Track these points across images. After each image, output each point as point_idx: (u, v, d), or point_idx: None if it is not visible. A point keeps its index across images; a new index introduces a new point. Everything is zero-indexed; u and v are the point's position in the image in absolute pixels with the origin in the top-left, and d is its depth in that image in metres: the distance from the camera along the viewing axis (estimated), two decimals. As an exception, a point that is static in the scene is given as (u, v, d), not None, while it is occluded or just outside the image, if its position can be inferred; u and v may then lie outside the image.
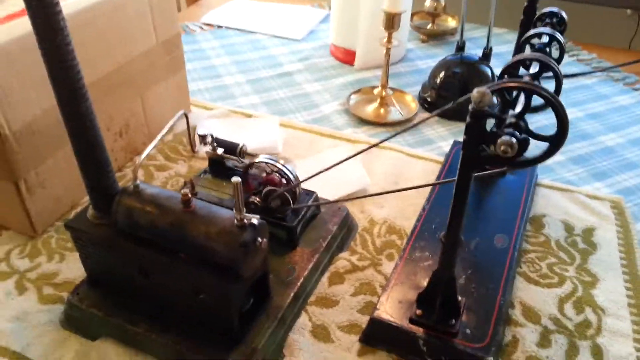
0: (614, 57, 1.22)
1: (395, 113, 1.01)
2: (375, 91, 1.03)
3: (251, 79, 1.15)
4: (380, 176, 0.85)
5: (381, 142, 0.58)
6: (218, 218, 0.50)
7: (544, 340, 0.61)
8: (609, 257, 0.72)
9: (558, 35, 0.63)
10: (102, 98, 0.76)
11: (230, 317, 0.53)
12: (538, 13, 0.74)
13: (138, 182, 0.53)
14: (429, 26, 1.34)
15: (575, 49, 1.26)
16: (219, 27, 1.38)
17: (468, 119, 0.46)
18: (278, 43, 1.31)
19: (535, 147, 0.46)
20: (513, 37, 1.31)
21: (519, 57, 0.56)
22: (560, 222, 0.77)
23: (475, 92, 0.44)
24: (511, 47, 1.27)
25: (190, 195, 0.51)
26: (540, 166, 0.85)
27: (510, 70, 0.58)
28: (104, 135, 0.79)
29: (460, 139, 0.92)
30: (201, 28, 1.38)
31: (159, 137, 0.56)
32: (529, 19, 0.75)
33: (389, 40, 0.94)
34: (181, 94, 0.96)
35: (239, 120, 0.97)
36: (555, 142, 0.45)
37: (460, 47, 1.05)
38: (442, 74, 1.03)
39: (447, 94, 1.02)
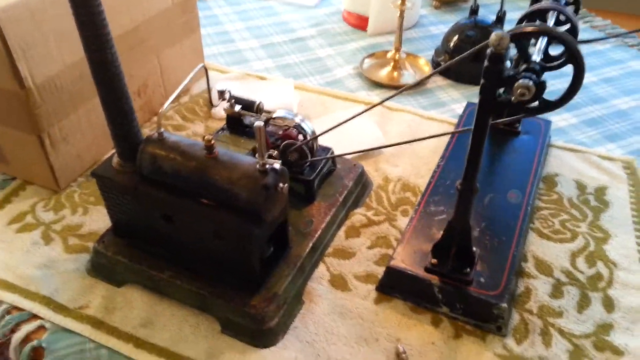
0: (627, 23, 1.21)
1: (409, 76, 1.02)
2: (389, 54, 1.03)
3: (265, 44, 1.15)
4: (395, 136, 0.86)
5: (392, 97, 0.59)
6: (240, 163, 0.52)
7: (556, 291, 0.62)
8: (620, 214, 0.73)
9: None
10: (121, 56, 0.77)
11: (252, 262, 0.55)
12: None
13: (162, 130, 0.54)
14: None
15: (590, 16, 1.25)
16: (232, -6, 1.38)
17: (486, 63, 0.46)
18: (291, 9, 1.31)
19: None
20: (526, 3, 1.30)
21: (536, 6, 0.57)
22: (572, 181, 0.78)
23: (493, 35, 0.45)
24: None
25: (212, 141, 0.52)
26: (553, 128, 0.86)
27: (527, 20, 0.58)
28: (123, 93, 0.81)
29: (474, 101, 0.93)
30: (214, -5, 1.37)
31: (180, 87, 0.57)
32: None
33: (403, 3, 0.94)
34: (196, 56, 0.97)
35: (254, 82, 0.98)
36: (572, 85, 0.46)
37: (474, 11, 1.04)
38: (455, 38, 1.03)
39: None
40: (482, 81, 0.48)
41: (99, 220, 0.70)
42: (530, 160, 0.77)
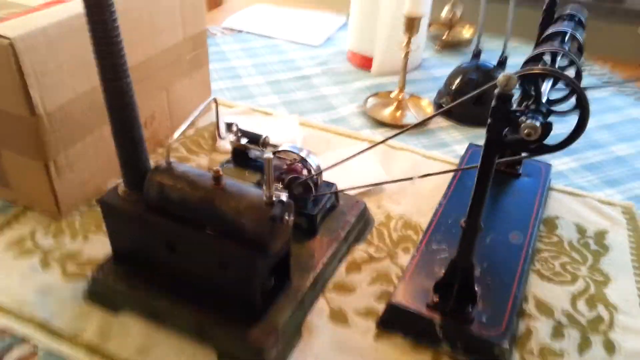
0: (625, 72, 1.24)
1: (411, 117, 1.03)
2: (392, 94, 1.05)
3: (270, 80, 1.17)
4: (398, 174, 0.86)
5: (396, 135, 0.61)
6: (247, 194, 0.52)
7: (557, 334, 0.62)
8: (620, 259, 0.73)
9: (578, 35, 0.65)
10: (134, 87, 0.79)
11: (254, 293, 0.55)
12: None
13: (171, 159, 0.55)
14: (444, 36, 1.37)
15: (588, 64, 1.28)
16: (239, 31, 1.42)
17: (494, 103, 0.47)
18: (296, 48, 1.34)
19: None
20: (528, 49, 1.33)
21: (541, 48, 0.58)
22: (572, 224, 0.78)
23: (501, 77, 0.47)
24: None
25: (219, 171, 0.53)
26: (553, 171, 0.87)
27: (532, 62, 0.59)
28: (130, 123, 0.82)
29: (476, 142, 0.94)
30: (222, 32, 1.41)
31: (190, 119, 0.58)
32: (548, 19, 0.76)
33: (408, 45, 0.97)
34: (204, 90, 0.99)
35: (259, 118, 1.00)
36: (577, 127, 0.47)
37: (476, 55, 1.07)
38: (458, 80, 1.05)
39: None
40: (489, 120, 0.49)
41: (98, 247, 0.69)
42: (531, 202, 0.78)
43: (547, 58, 0.62)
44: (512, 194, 0.79)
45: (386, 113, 1.04)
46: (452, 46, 1.36)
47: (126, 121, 0.53)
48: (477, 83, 1.03)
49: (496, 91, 0.48)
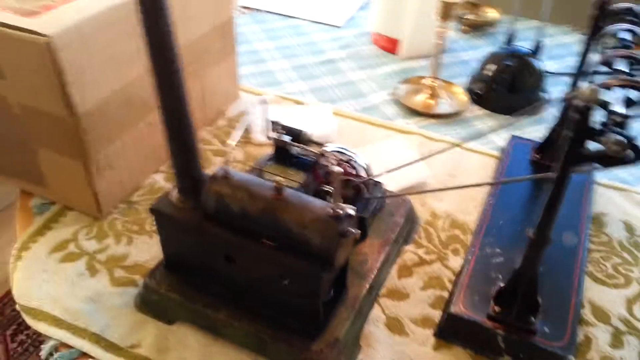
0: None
1: (445, 105, 1.01)
2: (425, 81, 1.02)
3: (295, 65, 1.14)
4: (438, 167, 0.84)
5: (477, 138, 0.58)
6: (311, 206, 0.50)
7: (616, 341, 0.61)
8: (671, 258, 0.72)
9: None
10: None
11: (317, 306, 0.53)
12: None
13: (227, 167, 0.52)
14: (469, 17, 1.33)
15: None
16: (258, 10, 1.37)
17: (576, 116, 0.45)
18: (318, 29, 1.29)
19: None
20: (555, 31, 1.30)
21: (622, 52, 0.56)
22: (620, 222, 0.77)
23: (587, 90, 0.44)
24: (557, 41, 1.27)
25: (283, 182, 0.50)
26: (595, 164, 0.85)
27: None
28: (164, 118, 0.79)
29: (515, 133, 0.92)
30: (240, 11, 1.36)
31: (244, 124, 0.55)
32: (600, 14, 0.73)
33: (443, 31, 0.93)
34: (231, 79, 0.96)
35: (290, 107, 0.97)
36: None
37: (510, 39, 1.04)
38: (492, 67, 1.02)
39: (498, 87, 1.01)
40: (569, 134, 0.46)
41: (144, 251, 0.68)
42: (579, 198, 0.76)
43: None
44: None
45: (418, 101, 1.01)
46: (478, 26, 1.32)
47: (183, 128, 0.50)
48: (513, 70, 1.00)
49: (577, 102, 0.45)
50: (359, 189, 0.65)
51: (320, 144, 0.69)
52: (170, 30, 0.45)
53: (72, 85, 0.60)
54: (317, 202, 0.51)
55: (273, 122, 0.69)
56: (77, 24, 0.60)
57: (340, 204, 0.49)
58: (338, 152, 0.67)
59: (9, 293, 1.43)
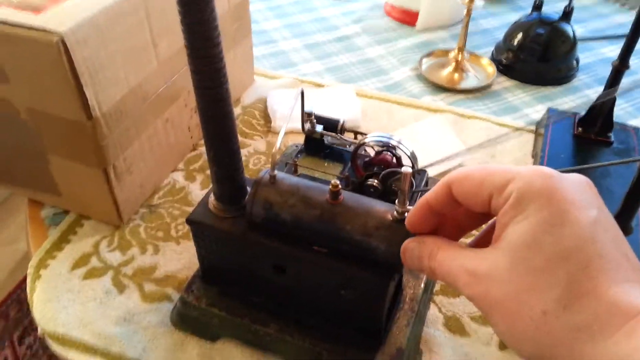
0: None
1: (473, 78, 0.95)
2: (451, 55, 0.96)
3: (308, 43, 1.07)
4: (476, 148, 0.79)
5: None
6: (373, 210, 0.45)
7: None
8: None
9: None
10: (182, 71, 0.70)
11: (380, 315, 0.48)
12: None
13: (275, 171, 0.47)
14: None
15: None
16: (260, -14, 1.29)
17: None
18: (327, 3, 1.22)
19: None
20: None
21: None
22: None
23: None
24: (583, 4, 1.20)
25: (338, 186, 0.45)
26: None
27: None
28: (182, 111, 0.73)
29: (547, 104, 0.87)
30: (241, -12, 1.28)
31: (285, 125, 0.50)
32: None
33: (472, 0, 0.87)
34: (246, 63, 0.89)
35: (310, 90, 0.90)
36: None
37: (538, 6, 0.97)
38: (520, 35, 0.96)
39: (526, 56, 0.95)
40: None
41: (173, 259, 0.62)
42: (631, 175, 0.71)
43: None
44: (609, 167, 0.72)
45: (443, 75, 0.95)
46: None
47: (225, 132, 0.44)
48: (542, 37, 0.94)
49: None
50: (411, 180, 0.60)
51: (361, 133, 0.64)
52: (216, 22, 0.38)
53: (88, 87, 0.54)
54: (378, 205, 0.46)
55: (307, 113, 0.63)
56: (92, 17, 0.53)
57: (406, 205, 0.44)
58: (381, 140, 0.61)
59: (11, 294, 1.38)
